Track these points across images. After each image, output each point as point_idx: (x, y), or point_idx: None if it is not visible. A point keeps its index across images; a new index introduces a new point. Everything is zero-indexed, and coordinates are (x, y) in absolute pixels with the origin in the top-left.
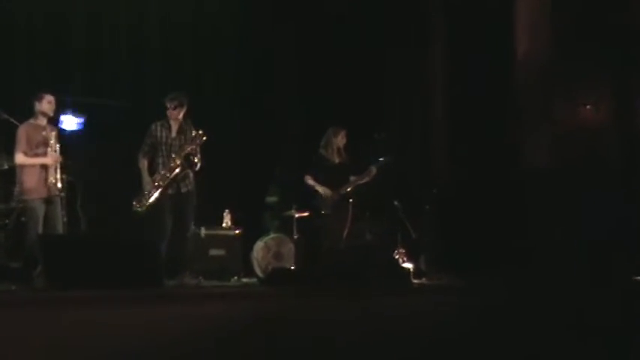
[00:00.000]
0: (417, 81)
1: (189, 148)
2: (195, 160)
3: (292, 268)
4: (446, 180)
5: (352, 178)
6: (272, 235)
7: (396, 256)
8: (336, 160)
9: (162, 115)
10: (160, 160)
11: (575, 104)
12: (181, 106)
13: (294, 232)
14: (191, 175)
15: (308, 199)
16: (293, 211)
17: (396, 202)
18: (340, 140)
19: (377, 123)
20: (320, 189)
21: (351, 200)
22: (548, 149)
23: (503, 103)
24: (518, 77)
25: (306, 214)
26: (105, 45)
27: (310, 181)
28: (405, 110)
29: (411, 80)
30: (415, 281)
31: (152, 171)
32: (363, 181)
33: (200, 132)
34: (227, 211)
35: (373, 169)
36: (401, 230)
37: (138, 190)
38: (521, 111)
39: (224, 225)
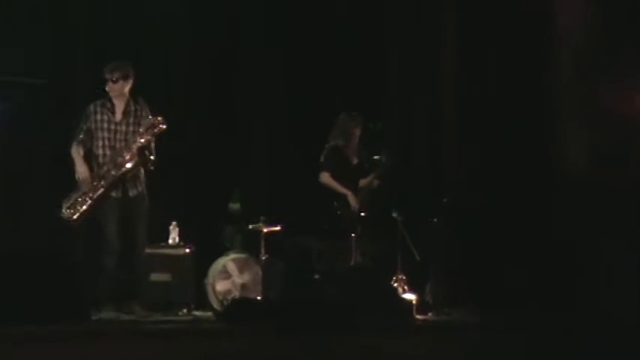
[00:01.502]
0: (422, 60)
1: (143, 139)
2: (151, 156)
3: (259, 298)
4: (458, 186)
5: (363, 187)
6: (233, 256)
7: (395, 285)
8: (354, 160)
9: (100, 94)
10: (100, 152)
11: (623, 92)
12: (125, 78)
13: (262, 251)
14: (142, 173)
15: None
16: (261, 224)
17: (394, 214)
18: (359, 132)
19: (371, 109)
20: (349, 195)
21: (363, 214)
22: (589, 148)
23: (529, 95)
24: (554, 64)
25: (277, 228)
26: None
27: (331, 180)
28: (405, 95)
29: (414, 58)
30: (419, 317)
31: (90, 167)
32: (374, 185)
33: (159, 118)
34: (174, 223)
35: (378, 175)
36: (401, 250)
37: (69, 191)
38: (557, 105)
39: (170, 242)
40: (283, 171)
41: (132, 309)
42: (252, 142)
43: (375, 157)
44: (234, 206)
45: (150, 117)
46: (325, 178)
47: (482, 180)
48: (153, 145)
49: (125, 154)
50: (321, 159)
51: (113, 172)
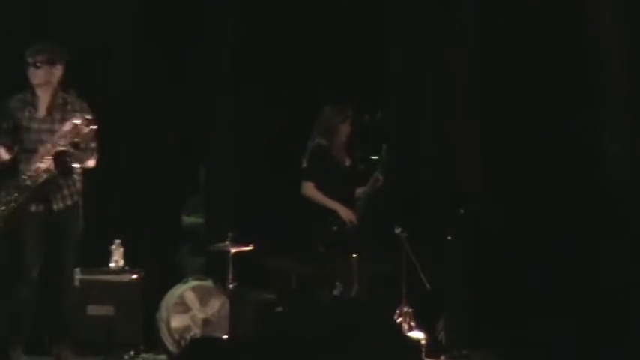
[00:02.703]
0: (429, 37)
1: (63, 142)
2: (74, 164)
3: (225, 337)
4: (478, 194)
5: (362, 195)
6: (193, 283)
7: (400, 320)
8: (346, 162)
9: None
10: (22, 157)
11: None
12: (52, 63)
13: (229, 277)
14: (77, 182)
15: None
16: (228, 242)
17: (397, 230)
18: (348, 127)
19: (368, 97)
20: (339, 208)
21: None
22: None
23: (563, 85)
24: (595, 58)
25: (249, 247)
26: None
27: (315, 193)
28: (410, 78)
29: (420, 34)
30: None
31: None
32: (379, 185)
33: (87, 117)
34: (117, 242)
35: (379, 177)
36: (407, 276)
37: None
38: (597, 103)
39: (112, 265)
40: (256, 174)
41: (61, 353)
42: (216, 139)
43: (374, 157)
44: (189, 220)
45: (77, 114)
46: (308, 189)
47: (508, 187)
48: (94, 144)
49: (45, 160)
50: (303, 164)
51: (29, 183)
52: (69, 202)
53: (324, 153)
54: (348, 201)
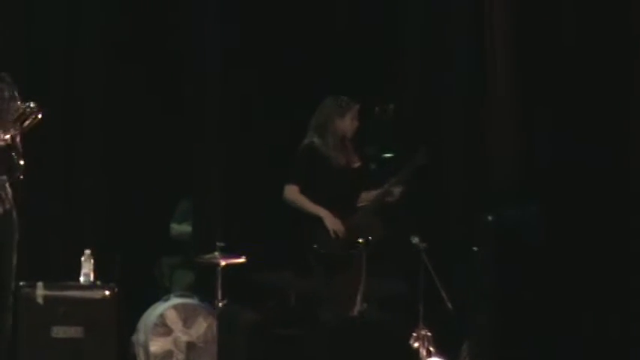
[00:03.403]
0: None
1: (8, 135)
2: (19, 161)
3: None
4: (509, 198)
5: (365, 194)
6: (176, 301)
7: (416, 345)
8: (342, 161)
9: None
10: None
11: None
12: None
13: (219, 294)
14: (7, 184)
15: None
16: (217, 254)
17: (415, 240)
18: (350, 123)
19: (378, 87)
20: (324, 214)
21: (361, 241)
22: None
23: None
24: None
25: (240, 260)
26: None
27: (298, 197)
28: (430, 62)
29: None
30: None
31: None
32: (393, 197)
33: (32, 105)
34: (87, 252)
35: (395, 190)
36: (425, 294)
37: None
38: None
39: (82, 280)
40: (249, 178)
41: None
42: (204, 133)
43: (387, 155)
44: (180, 228)
45: (18, 102)
46: (289, 193)
47: (551, 188)
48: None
49: None
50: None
51: None
52: (7, 207)
53: (314, 152)
54: (342, 208)
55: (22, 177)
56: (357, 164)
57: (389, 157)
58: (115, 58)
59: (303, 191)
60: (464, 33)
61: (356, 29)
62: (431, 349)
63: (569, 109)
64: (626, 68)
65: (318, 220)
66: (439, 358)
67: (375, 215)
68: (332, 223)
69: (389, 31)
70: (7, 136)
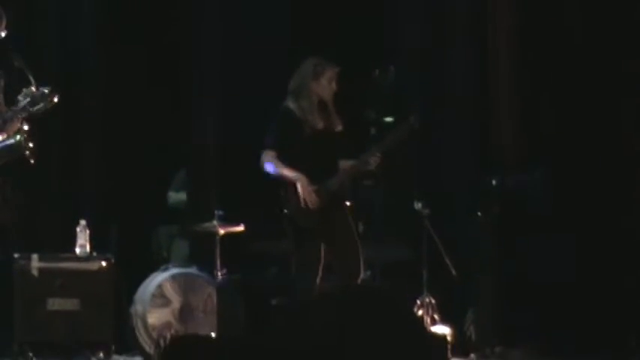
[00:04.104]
0: None
1: (18, 119)
2: (30, 143)
3: (212, 336)
4: (515, 162)
5: (343, 162)
6: (173, 272)
7: (421, 312)
8: (319, 124)
9: None
10: None
11: None
12: None
13: (218, 264)
14: None
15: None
16: (215, 222)
17: (418, 205)
18: (327, 86)
19: (376, 50)
20: (298, 178)
21: (349, 203)
22: None
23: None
24: None
25: (240, 228)
26: None
27: (273, 163)
28: (433, 21)
29: None
30: None
31: None
32: (368, 167)
33: (46, 90)
34: (83, 223)
35: (373, 157)
36: (428, 260)
37: None
38: None
39: (77, 250)
40: (247, 145)
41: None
42: (201, 104)
43: (388, 119)
44: (178, 197)
45: (32, 88)
46: (267, 158)
47: (556, 152)
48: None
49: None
50: None
51: None
52: None
53: (289, 116)
54: (319, 172)
55: (33, 160)
56: (337, 128)
57: (389, 122)
58: (112, 31)
59: (280, 156)
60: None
61: None
62: (435, 316)
63: (573, 74)
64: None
65: (291, 185)
66: (443, 325)
67: (349, 183)
68: (304, 191)
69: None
70: (20, 118)
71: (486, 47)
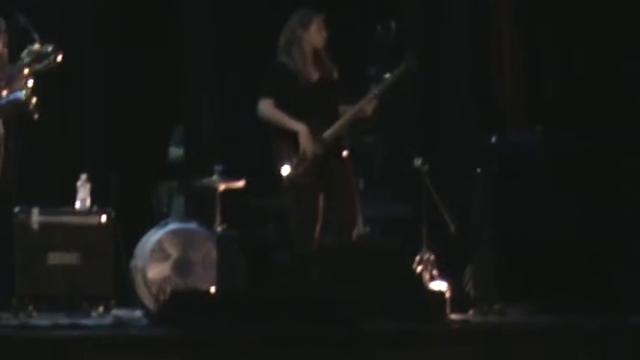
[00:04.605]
0: None
1: (24, 79)
2: (33, 99)
3: (212, 290)
4: (515, 117)
5: (343, 108)
6: (173, 227)
7: (420, 268)
8: (314, 75)
9: None
10: None
11: None
12: None
13: (217, 219)
14: None
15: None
16: (216, 177)
17: (418, 162)
18: (317, 34)
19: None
20: (299, 128)
21: (346, 153)
22: None
23: None
24: None
25: (240, 183)
26: None
27: (273, 110)
28: None
29: None
30: (454, 317)
31: None
32: (365, 113)
33: (50, 47)
34: (84, 177)
35: (371, 101)
36: (428, 217)
37: None
38: None
39: (78, 205)
40: (247, 100)
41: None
42: (199, 57)
43: (387, 76)
44: (178, 152)
45: (37, 45)
46: (266, 107)
47: (554, 108)
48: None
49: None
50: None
51: None
52: None
53: (283, 70)
54: (318, 122)
55: (37, 116)
56: (333, 76)
57: (389, 79)
58: None
59: (277, 108)
60: None
61: None
62: (434, 272)
63: (575, 33)
64: None
65: (289, 137)
66: (443, 281)
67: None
68: (306, 141)
69: None
70: (25, 79)
71: (487, 3)
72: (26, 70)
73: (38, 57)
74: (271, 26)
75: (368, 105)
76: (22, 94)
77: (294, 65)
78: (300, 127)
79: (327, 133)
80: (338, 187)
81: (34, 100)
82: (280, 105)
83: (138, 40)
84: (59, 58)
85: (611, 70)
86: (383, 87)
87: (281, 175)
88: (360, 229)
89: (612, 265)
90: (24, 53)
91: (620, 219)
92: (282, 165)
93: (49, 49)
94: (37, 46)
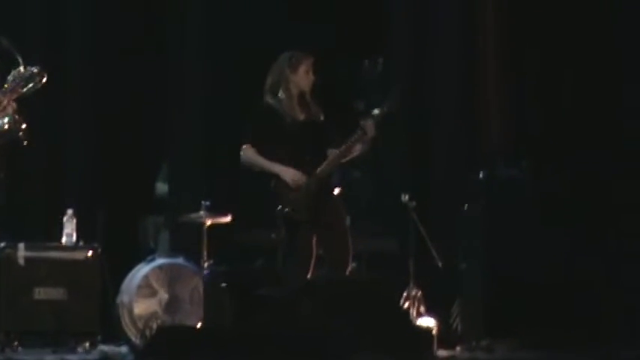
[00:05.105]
0: None
1: (8, 100)
2: (22, 125)
3: (198, 326)
4: (502, 154)
5: (331, 151)
6: (160, 262)
7: (407, 304)
8: (300, 116)
9: None
10: None
11: None
12: None
13: (204, 255)
14: None
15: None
16: (203, 212)
17: (405, 197)
18: (304, 77)
19: (366, 40)
20: (280, 170)
21: (337, 190)
22: None
23: None
24: None
25: (226, 219)
26: None
27: (254, 157)
28: (421, 13)
29: None
30: (443, 353)
31: None
32: (353, 153)
33: (36, 70)
34: (70, 212)
35: (369, 126)
36: (415, 252)
37: None
38: None
39: (64, 240)
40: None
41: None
42: (185, 93)
43: (375, 112)
44: (165, 187)
45: (21, 68)
46: (246, 153)
47: (540, 145)
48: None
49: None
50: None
51: None
52: None
53: (268, 112)
54: (304, 165)
55: (25, 142)
56: (319, 119)
57: (378, 114)
58: (102, 24)
59: (261, 151)
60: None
61: None
62: (422, 308)
63: (559, 70)
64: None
65: (280, 179)
66: (430, 317)
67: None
68: (290, 175)
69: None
70: (13, 103)
71: (474, 41)
72: (13, 95)
73: (23, 81)
74: (258, 67)
75: (356, 143)
76: (8, 120)
77: (280, 107)
78: (280, 169)
79: (320, 170)
80: (331, 225)
81: (23, 126)
82: (268, 146)
83: (126, 76)
84: (44, 80)
85: (598, 102)
86: (370, 123)
87: (277, 211)
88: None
89: (601, 300)
90: (9, 77)
91: (608, 253)
92: (278, 201)
93: (34, 71)
94: (21, 69)
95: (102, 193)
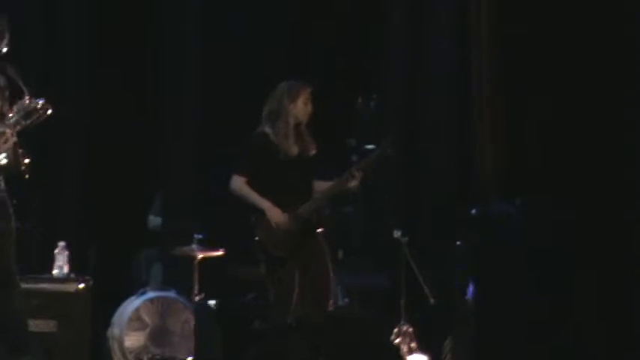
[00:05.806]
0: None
1: (11, 132)
2: (25, 158)
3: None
4: (495, 190)
5: (318, 183)
6: (151, 295)
7: (398, 341)
8: (293, 150)
9: None
10: None
11: None
12: None
13: (196, 288)
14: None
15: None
16: (195, 246)
17: (397, 233)
18: (302, 108)
19: (358, 80)
20: (268, 208)
21: (320, 230)
22: None
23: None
24: None
25: (218, 252)
26: None
27: (244, 188)
28: (414, 52)
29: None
30: None
31: None
32: (344, 189)
33: (40, 102)
34: (62, 245)
35: (357, 176)
36: (407, 288)
37: None
38: None
39: (55, 272)
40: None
41: None
42: (178, 128)
43: (369, 147)
44: (157, 220)
45: (27, 99)
46: (235, 183)
47: (534, 180)
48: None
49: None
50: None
51: None
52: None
53: (265, 141)
54: (294, 198)
55: (28, 175)
56: (312, 152)
57: (371, 149)
58: (95, 62)
59: (252, 181)
60: (447, 33)
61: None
62: (413, 345)
63: (555, 105)
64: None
65: (264, 214)
66: (421, 354)
67: (327, 206)
68: (275, 216)
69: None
70: (10, 133)
71: (468, 74)
72: (17, 128)
73: (27, 113)
74: (254, 96)
75: (344, 183)
76: (9, 154)
77: (276, 137)
78: (266, 205)
79: (302, 209)
80: (313, 262)
81: (25, 160)
82: (256, 178)
83: (119, 109)
84: (49, 112)
85: (597, 142)
86: (361, 167)
87: (257, 247)
88: (339, 300)
89: (596, 337)
90: (14, 108)
91: (602, 291)
92: (259, 237)
93: (39, 103)
94: (26, 101)
95: (94, 225)
